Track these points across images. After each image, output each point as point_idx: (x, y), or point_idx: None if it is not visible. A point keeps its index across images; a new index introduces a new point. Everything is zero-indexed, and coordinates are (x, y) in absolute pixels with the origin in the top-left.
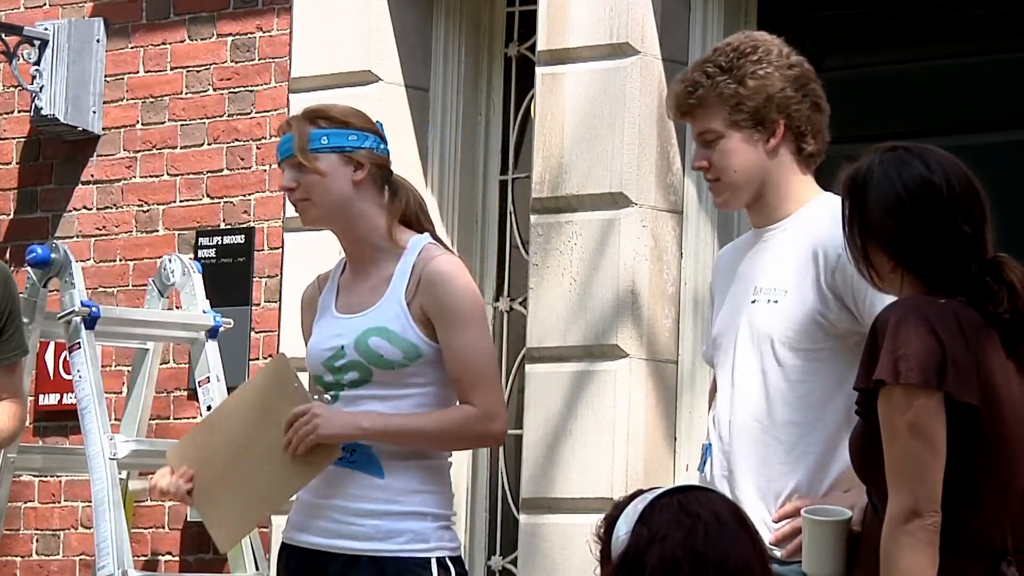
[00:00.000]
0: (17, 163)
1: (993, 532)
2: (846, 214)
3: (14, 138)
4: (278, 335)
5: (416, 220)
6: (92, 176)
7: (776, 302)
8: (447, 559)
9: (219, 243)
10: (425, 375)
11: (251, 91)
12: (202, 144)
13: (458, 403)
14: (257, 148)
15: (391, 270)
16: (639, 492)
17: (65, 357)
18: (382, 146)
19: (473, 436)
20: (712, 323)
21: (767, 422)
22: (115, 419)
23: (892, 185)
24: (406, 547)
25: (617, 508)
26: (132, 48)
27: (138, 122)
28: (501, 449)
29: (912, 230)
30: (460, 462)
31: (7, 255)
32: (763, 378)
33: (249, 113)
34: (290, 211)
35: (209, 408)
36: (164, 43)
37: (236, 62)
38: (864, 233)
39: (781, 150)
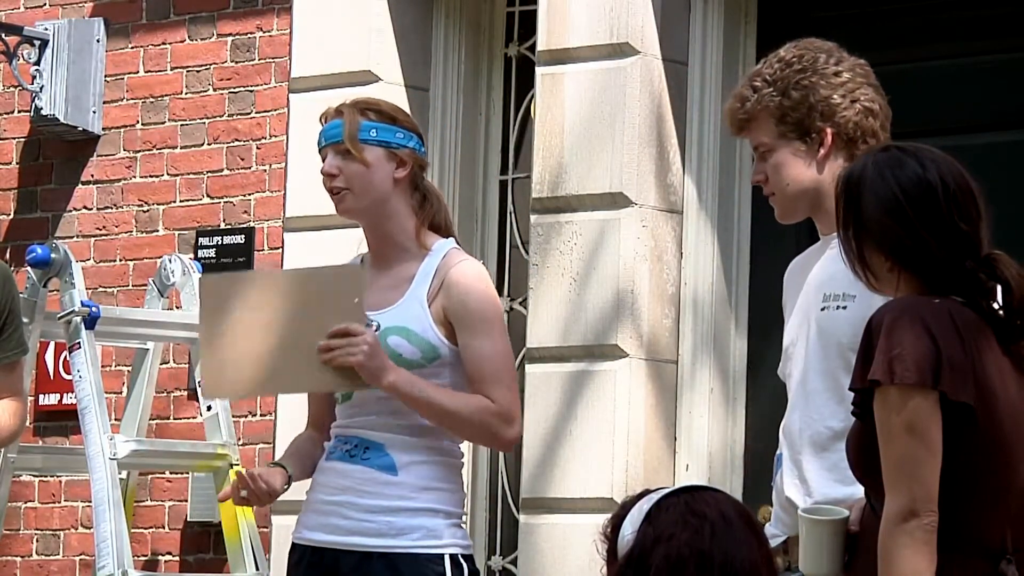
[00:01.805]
0: (17, 163)
1: (992, 531)
2: (840, 216)
3: (14, 138)
4: None
5: (444, 227)
6: (92, 176)
7: (845, 308)
8: (460, 556)
9: (219, 243)
10: (441, 377)
11: (251, 91)
12: (202, 144)
13: None
14: (257, 148)
15: (413, 270)
16: (646, 492)
17: (65, 357)
18: (423, 148)
19: (485, 430)
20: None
21: (839, 428)
22: (115, 419)
23: (887, 184)
24: (419, 543)
25: (624, 508)
26: (132, 48)
27: (138, 122)
28: None
29: (909, 229)
30: None
31: (7, 255)
32: (834, 384)
33: (249, 113)
34: (290, 211)
35: (209, 408)
36: (164, 43)
37: (236, 62)
38: (860, 233)
39: (833, 158)
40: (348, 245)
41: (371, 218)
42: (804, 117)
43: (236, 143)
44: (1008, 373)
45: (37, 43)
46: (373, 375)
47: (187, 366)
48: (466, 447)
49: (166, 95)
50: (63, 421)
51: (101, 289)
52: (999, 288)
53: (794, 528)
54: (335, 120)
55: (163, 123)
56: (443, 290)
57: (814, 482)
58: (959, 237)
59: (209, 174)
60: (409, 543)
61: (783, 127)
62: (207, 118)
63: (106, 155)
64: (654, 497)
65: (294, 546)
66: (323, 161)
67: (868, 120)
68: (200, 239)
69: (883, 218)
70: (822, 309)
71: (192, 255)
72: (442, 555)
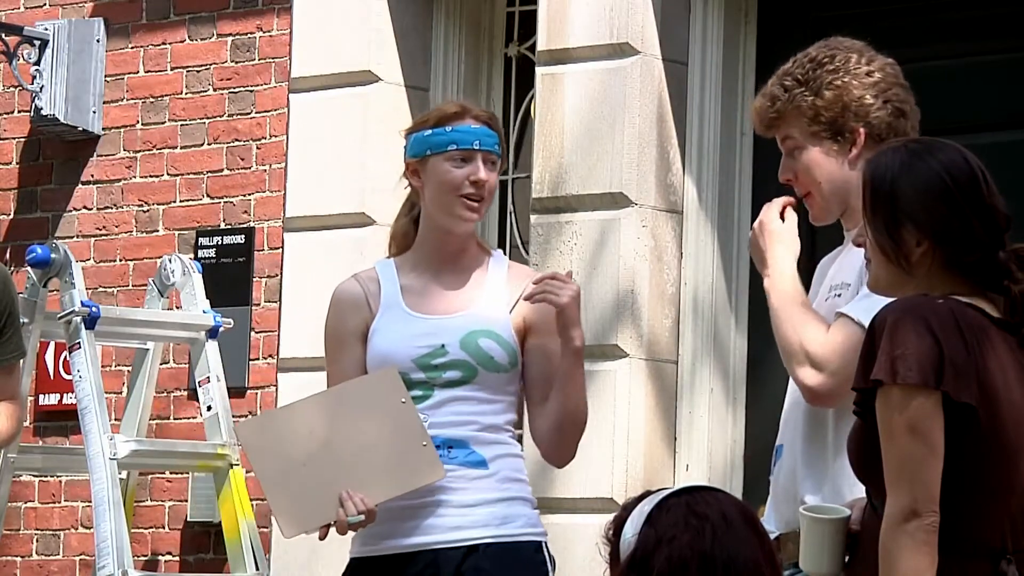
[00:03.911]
0: (17, 163)
1: (993, 532)
2: (868, 204)
3: (14, 138)
4: (278, 335)
5: None
6: (92, 176)
7: (839, 295)
8: (546, 545)
9: (219, 243)
10: (514, 384)
11: (251, 91)
12: (202, 144)
13: (539, 401)
14: (257, 148)
15: (482, 275)
16: (648, 493)
17: (65, 357)
18: None
19: (583, 429)
20: None
21: (831, 420)
22: (115, 419)
23: (932, 169)
24: (523, 531)
25: (626, 509)
26: (132, 48)
27: (138, 122)
28: None
29: (957, 210)
30: None
31: (7, 255)
32: None
33: (249, 113)
34: (290, 211)
35: (209, 408)
36: (164, 43)
37: (236, 62)
38: (896, 218)
39: (863, 158)
40: (348, 244)
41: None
42: (838, 117)
43: (236, 143)
44: (1012, 375)
45: (37, 43)
46: (573, 320)
47: (187, 366)
48: None
49: (166, 95)
50: (63, 421)
51: (101, 289)
52: None
53: (788, 524)
54: (488, 129)
55: (163, 123)
56: (525, 301)
57: (805, 474)
58: (999, 220)
59: (209, 174)
60: (515, 531)
61: (816, 127)
62: (207, 118)
63: (106, 155)
64: (655, 498)
65: (361, 561)
66: (462, 160)
67: (899, 121)
68: (200, 239)
69: (929, 201)
70: (826, 300)
71: (192, 255)
72: (541, 543)
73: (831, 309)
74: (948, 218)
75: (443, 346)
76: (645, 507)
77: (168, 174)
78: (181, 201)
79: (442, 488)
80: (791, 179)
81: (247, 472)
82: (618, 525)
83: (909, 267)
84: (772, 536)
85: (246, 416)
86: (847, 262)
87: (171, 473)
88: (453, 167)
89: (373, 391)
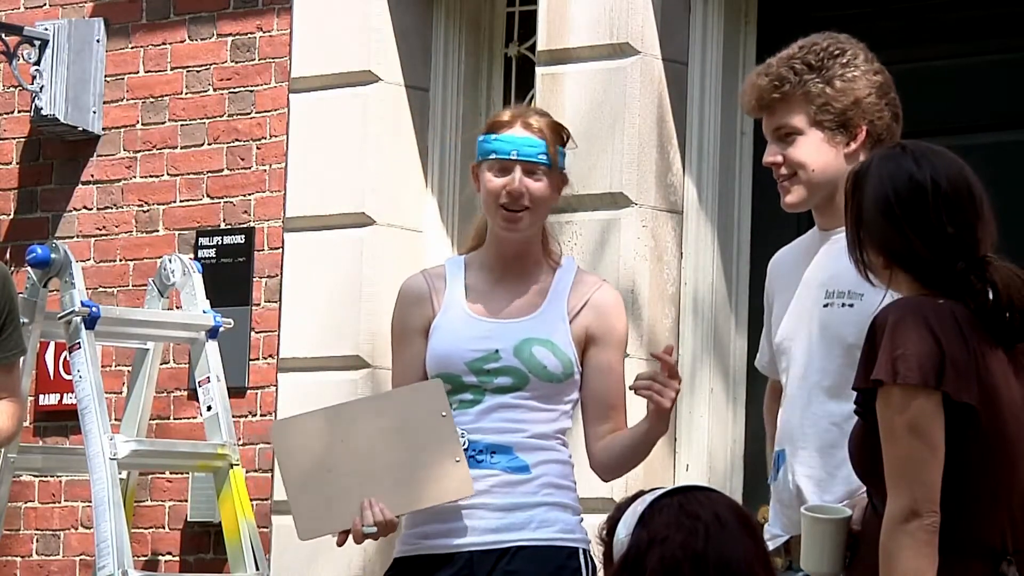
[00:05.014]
0: (17, 163)
1: (993, 532)
2: (847, 212)
3: (14, 138)
4: (278, 335)
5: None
6: (92, 176)
7: (851, 306)
8: (589, 552)
9: (219, 243)
10: (568, 395)
11: (251, 91)
12: (202, 144)
13: (595, 420)
14: (257, 148)
15: (543, 283)
16: (641, 493)
17: (65, 357)
18: None
19: None
20: (772, 329)
21: (846, 426)
22: (115, 419)
23: (882, 183)
24: (559, 536)
25: (619, 510)
26: (132, 48)
27: (138, 122)
28: None
29: (898, 228)
30: None
31: (7, 255)
32: (840, 382)
33: (249, 113)
34: (290, 211)
35: (209, 408)
36: (164, 43)
37: (236, 62)
38: (859, 230)
39: (859, 155)
40: (348, 244)
41: (533, 234)
42: (847, 109)
43: (236, 143)
44: (1011, 375)
45: (37, 43)
46: (667, 416)
47: (187, 366)
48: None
49: (166, 95)
50: (63, 421)
51: (101, 289)
52: (987, 291)
53: (796, 527)
54: (533, 138)
55: (163, 123)
56: (589, 309)
57: (830, 478)
58: (945, 239)
59: (209, 174)
60: (551, 535)
61: (822, 116)
62: (207, 118)
63: (106, 155)
64: (648, 499)
65: (403, 560)
66: (500, 169)
67: (896, 125)
68: (200, 239)
69: (877, 216)
70: (825, 306)
71: (192, 255)
72: (578, 549)
73: (838, 317)
74: (892, 235)
75: (497, 351)
76: (638, 507)
77: (168, 174)
78: (181, 201)
79: (483, 492)
80: (778, 162)
81: (247, 472)
82: (611, 525)
83: (877, 279)
84: (782, 540)
85: (246, 416)
86: (843, 264)
87: (171, 473)
88: (493, 176)
89: (416, 401)
